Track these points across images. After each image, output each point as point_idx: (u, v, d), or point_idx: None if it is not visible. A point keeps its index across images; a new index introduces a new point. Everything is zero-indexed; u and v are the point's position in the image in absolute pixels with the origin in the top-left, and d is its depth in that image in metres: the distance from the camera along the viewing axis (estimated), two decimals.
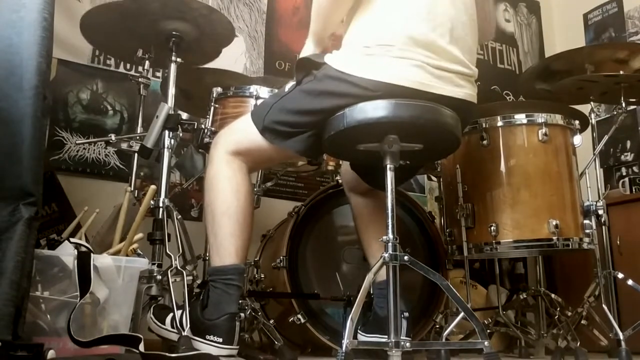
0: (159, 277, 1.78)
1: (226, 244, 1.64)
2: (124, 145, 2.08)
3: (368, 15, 1.63)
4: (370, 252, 1.90)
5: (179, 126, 1.98)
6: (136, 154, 2.12)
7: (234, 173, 1.69)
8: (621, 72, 2.30)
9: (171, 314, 1.65)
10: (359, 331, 1.78)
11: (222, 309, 1.58)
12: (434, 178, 3.03)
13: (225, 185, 1.68)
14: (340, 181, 2.26)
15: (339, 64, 1.60)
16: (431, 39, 1.58)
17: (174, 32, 2.02)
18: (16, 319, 1.17)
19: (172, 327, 1.63)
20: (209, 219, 1.68)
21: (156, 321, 1.68)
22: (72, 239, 1.57)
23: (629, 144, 3.48)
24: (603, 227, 2.28)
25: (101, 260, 1.53)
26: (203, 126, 2.06)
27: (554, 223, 2.03)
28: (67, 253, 1.49)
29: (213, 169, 1.71)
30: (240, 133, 1.73)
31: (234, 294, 1.61)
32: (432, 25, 1.59)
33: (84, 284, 1.43)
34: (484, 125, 2.16)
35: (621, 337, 2.00)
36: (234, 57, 3.09)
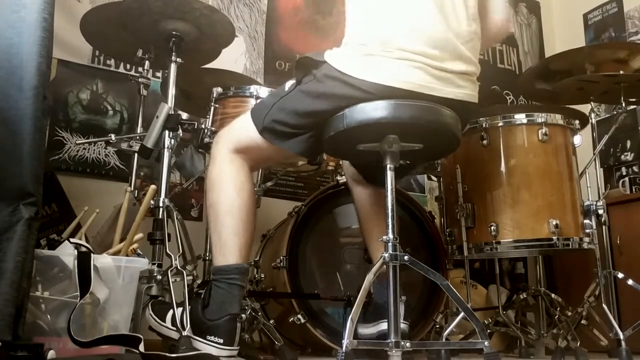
0: (159, 277, 1.78)
1: (230, 242, 1.63)
2: (124, 145, 2.08)
3: (368, 12, 1.63)
4: (372, 244, 1.90)
5: (179, 126, 1.98)
6: (136, 154, 2.12)
7: (236, 172, 1.69)
8: (621, 72, 2.30)
9: (171, 312, 1.65)
10: (358, 326, 1.77)
11: (225, 310, 1.58)
12: (434, 178, 3.02)
13: (229, 184, 1.67)
14: (340, 181, 2.26)
15: (338, 63, 1.59)
16: (435, 35, 1.57)
17: (174, 32, 2.02)
18: (16, 319, 1.17)
19: (173, 325, 1.63)
20: (212, 218, 1.68)
21: (156, 318, 1.67)
22: (72, 239, 1.57)
23: (629, 143, 3.48)
24: (603, 226, 2.28)
25: (101, 260, 1.53)
26: (203, 126, 2.06)
27: (554, 223, 2.03)
28: (67, 253, 1.50)
29: (215, 167, 1.71)
30: (240, 132, 1.72)
31: (237, 294, 1.61)
32: (435, 20, 1.59)
33: (84, 284, 1.43)
34: (484, 125, 2.16)
35: (621, 336, 2.00)
36: (234, 57, 3.09)
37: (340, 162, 2.26)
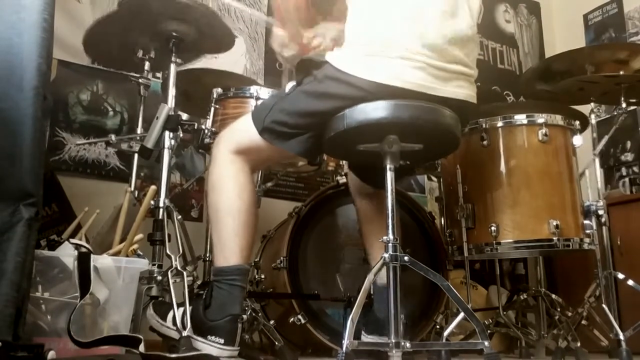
0: (159, 277, 1.78)
1: (230, 243, 1.63)
2: (124, 146, 2.08)
3: (370, 14, 1.63)
4: (372, 254, 1.90)
5: (179, 127, 1.98)
6: (136, 155, 2.12)
7: (237, 173, 1.69)
8: (621, 73, 2.30)
9: (172, 312, 1.65)
10: (362, 331, 1.78)
11: (225, 310, 1.58)
12: (434, 178, 3.03)
13: (229, 185, 1.67)
14: (340, 181, 2.26)
15: (340, 63, 1.60)
16: (434, 38, 1.58)
17: (174, 33, 2.02)
18: (16, 320, 1.17)
19: (174, 324, 1.63)
20: (213, 219, 1.68)
21: (157, 318, 1.67)
22: (72, 240, 1.58)
23: (629, 144, 3.48)
24: (603, 227, 2.28)
25: (101, 261, 1.53)
26: (203, 127, 2.06)
27: (555, 223, 2.03)
28: (67, 254, 1.49)
29: (216, 169, 1.71)
30: (241, 133, 1.73)
31: (238, 295, 1.61)
32: (435, 24, 1.59)
33: (84, 284, 1.43)
34: (484, 126, 2.16)
35: (622, 337, 2.00)
36: (234, 58, 3.09)
37: (341, 163, 2.26)
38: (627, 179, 3.14)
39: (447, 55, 1.59)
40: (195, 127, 2.04)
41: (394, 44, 1.56)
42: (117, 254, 1.65)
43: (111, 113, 2.81)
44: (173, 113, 1.97)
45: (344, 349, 1.40)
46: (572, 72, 2.41)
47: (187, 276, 1.74)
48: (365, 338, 1.77)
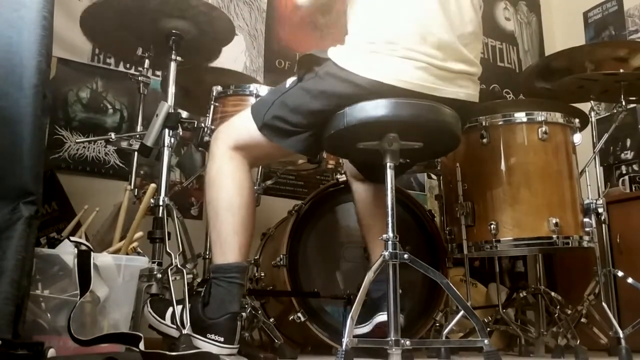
0: (159, 275, 1.78)
1: (229, 240, 1.63)
2: (124, 144, 2.08)
3: (374, 10, 1.63)
4: (371, 241, 1.91)
5: (179, 125, 1.98)
6: (136, 153, 2.12)
7: (236, 169, 1.68)
8: (621, 71, 2.30)
9: (171, 309, 1.65)
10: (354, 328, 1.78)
11: (225, 308, 1.58)
12: (434, 176, 3.02)
13: (228, 182, 1.67)
14: (340, 179, 2.26)
15: (341, 60, 1.59)
16: (439, 37, 1.58)
17: (173, 31, 2.02)
18: (16, 318, 1.18)
19: (172, 322, 1.63)
20: (212, 216, 1.68)
21: (155, 316, 1.67)
22: (72, 238, 1.57)
23: (629, 142, 3.48)
24: (603, 225, 2.28)
25: (101, 259, 1.53)
26: (203, 125, 2.06)
27: (554, 221, 2.03)
28: (67, 252, 1.49)
29: (215, 165, 1.70)
30: (240, 129, 1.72)
31: (236, 292, 1.61)
32: (440, 22, 1.59)
33: (84, 282, 1.43)
34: (484, 124, 2.16)
35: (621, 335, 2.00)
36: (234, 56, 3.09)
37: (341, 161, 2.27)
38: (626, 177, 3.12)
39: (451, 54, 1.59)
40: (195, 125, 2.04)
41: (397, 43, 1.56)
42: (117, 251, 1.65)
43: (111, 111, 2.80)
44: (173, 111, 1.96)
45: (343, 346, 1.40)
46: (571, 70, 2.41)
47: (187, 274, 1.74)
48: (359, 330, 1.76)
